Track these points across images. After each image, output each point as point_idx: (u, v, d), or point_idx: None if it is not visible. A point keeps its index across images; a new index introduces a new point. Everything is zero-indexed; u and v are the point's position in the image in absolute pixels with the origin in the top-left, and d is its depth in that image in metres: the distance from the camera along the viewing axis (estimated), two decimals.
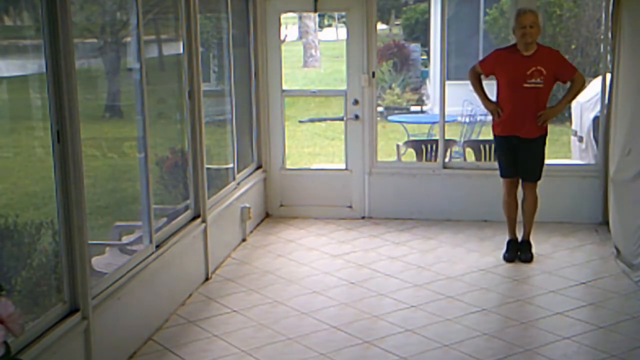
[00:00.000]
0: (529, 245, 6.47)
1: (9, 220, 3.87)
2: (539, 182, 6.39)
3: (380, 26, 20.81)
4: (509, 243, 6.50)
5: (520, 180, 6.43)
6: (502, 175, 6.46)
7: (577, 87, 6.21)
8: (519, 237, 6.52)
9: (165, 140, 5.98)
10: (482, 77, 6.44)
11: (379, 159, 7.80)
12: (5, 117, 4.35)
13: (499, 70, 6.27)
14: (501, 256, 6.43)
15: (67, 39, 3.87)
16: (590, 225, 7.29)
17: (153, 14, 5.64)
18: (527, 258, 6.37)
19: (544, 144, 6.31)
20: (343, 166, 7.86)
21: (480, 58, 6.97)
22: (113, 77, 5.44)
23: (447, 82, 7.80)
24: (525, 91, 6.09)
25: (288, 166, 8.20)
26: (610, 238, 6.66)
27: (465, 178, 7.63)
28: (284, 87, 7.84)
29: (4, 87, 4.29)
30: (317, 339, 4.91)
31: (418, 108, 16.74)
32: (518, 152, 6.29)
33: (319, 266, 6.35)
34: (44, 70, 3.86)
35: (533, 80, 6.07)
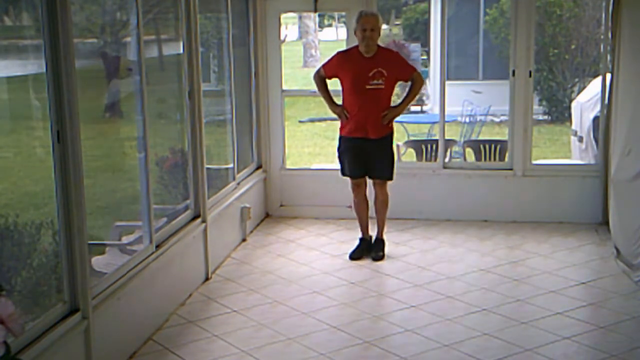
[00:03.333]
0: (382, 244, 6.60)
1: (9, 220, 3.87)
2: (390, 182, 6.55)
3: None
4: (360, 241, 6.61)
5: (366, 181, 6.57)
6: (344, 175, 6.57)
7: (418, 87, 6.38)
8: (373, 236, 6.67)
9: (165, 140, 5.98)
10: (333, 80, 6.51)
11: None
12: (5, 117, 4.35)
13: (342, 73, 6.36)
14: (348, 255, 6.52)
15: (67, 39, 3.87)
16: (590, 225, 7.29)
17: (153, 14, 5.64)
18: (378, 257, 6.48)
19: (391, 143, 6.46)
20: None
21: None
22: (113, 77, 5.44)
23: (447, 82, 7.77)
24: (368, 92, 6.21)
25: (288, 166, 8.20)
26: (610, 238, 6.66)
27: (465, 178, 7.62)
28: (284, 87, 7.84)
29: (4, 87, 4.29)
30: (317, 339, 4.90)
31: (418, 108, 16.74)
32: (366, 153, 6.41)
33: (319, 266, 6.35)
34: (44, 70, 3.86)
35: (375, 82, 6.19)
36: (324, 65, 6.54)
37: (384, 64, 6.20)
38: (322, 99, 6.60)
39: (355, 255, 6.49)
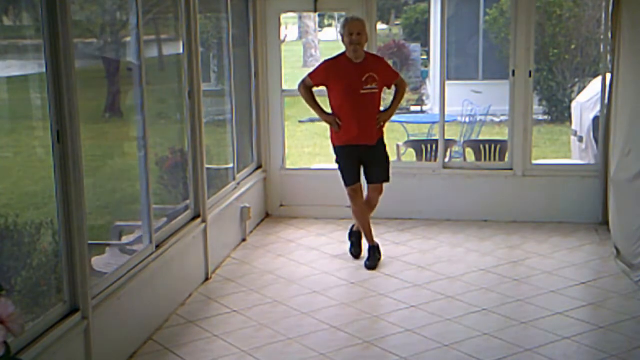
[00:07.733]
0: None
1: (9, 220, 3.87)
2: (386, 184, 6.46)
3: (380, 26, 20.80)
4: (370, 249, 6.41)
5: (362, 186, 6.44)
6: (347, 185, 6.38)
7: (403, 91, 6.41)
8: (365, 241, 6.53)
9: (165, 140, 5.98)
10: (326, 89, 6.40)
11: None
12: (5, 117, 4.35)
13: (332, 81, 6.27)
14: (364, 265, 6.33)
15: (67, 39, 3.87)
16: (590, 225, 7.29)
17: (153, 14, 5.64)
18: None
19: (385, 146, 6.41)
20: None
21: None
22: (113, 77, 5.44)
23: (447, 82, 7.78)
24: (363, 97, 6.15)
25: (288, 166, 8.20)
26: (610, 238, 6.66)
27: (465, 178, 7.63)
28: (284, 87, 7.84)
29: (4, 87, 4.29)
30: (317, 339, 4.90)
31: (418, 108, 16.74)
32: (364, 159, 6.32)
33: (319, 266, 6.35)
34: (44, 70, 3.86)
35: (369, 87, 6.15)
36: (310, 75, 6.41)
37: (374, 68, 6.19)
38: (310, 108, 6.48)
39: (372, 264, 6.30)
